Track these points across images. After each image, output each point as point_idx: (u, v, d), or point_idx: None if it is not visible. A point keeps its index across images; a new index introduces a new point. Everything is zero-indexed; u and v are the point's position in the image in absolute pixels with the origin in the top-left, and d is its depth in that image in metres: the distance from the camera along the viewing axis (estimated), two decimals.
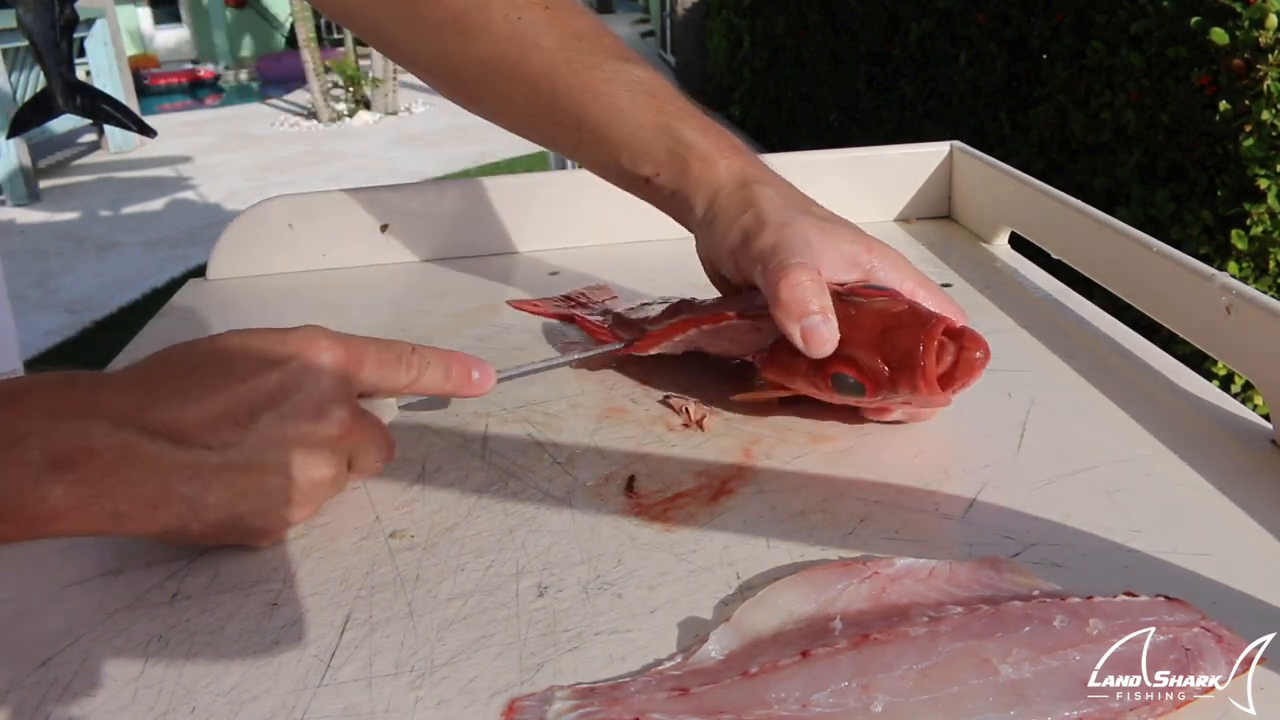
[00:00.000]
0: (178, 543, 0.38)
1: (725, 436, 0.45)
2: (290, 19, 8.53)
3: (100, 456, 0.33)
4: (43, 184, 5.48)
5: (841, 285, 0.42)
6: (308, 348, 0.37)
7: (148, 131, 0.93)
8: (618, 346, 0.50)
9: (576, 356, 0.49)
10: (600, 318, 0.55)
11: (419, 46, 0.51)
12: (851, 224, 0.44)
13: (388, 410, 0.43)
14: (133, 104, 6.26)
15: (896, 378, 0.39)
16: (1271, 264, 1.71)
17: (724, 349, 0.48)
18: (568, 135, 0.49)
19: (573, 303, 0.60)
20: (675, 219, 0.49)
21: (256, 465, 0.36)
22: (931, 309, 0.41)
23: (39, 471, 0.32)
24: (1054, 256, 0.60)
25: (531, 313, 0.60)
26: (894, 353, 0.38)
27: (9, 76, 4.95)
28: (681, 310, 0.48)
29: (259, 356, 0.37)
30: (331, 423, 0.37)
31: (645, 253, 0.71)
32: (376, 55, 6.91)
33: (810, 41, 4.09)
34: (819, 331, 0.39)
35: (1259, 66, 1.63)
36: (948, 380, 0.39)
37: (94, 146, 6.73)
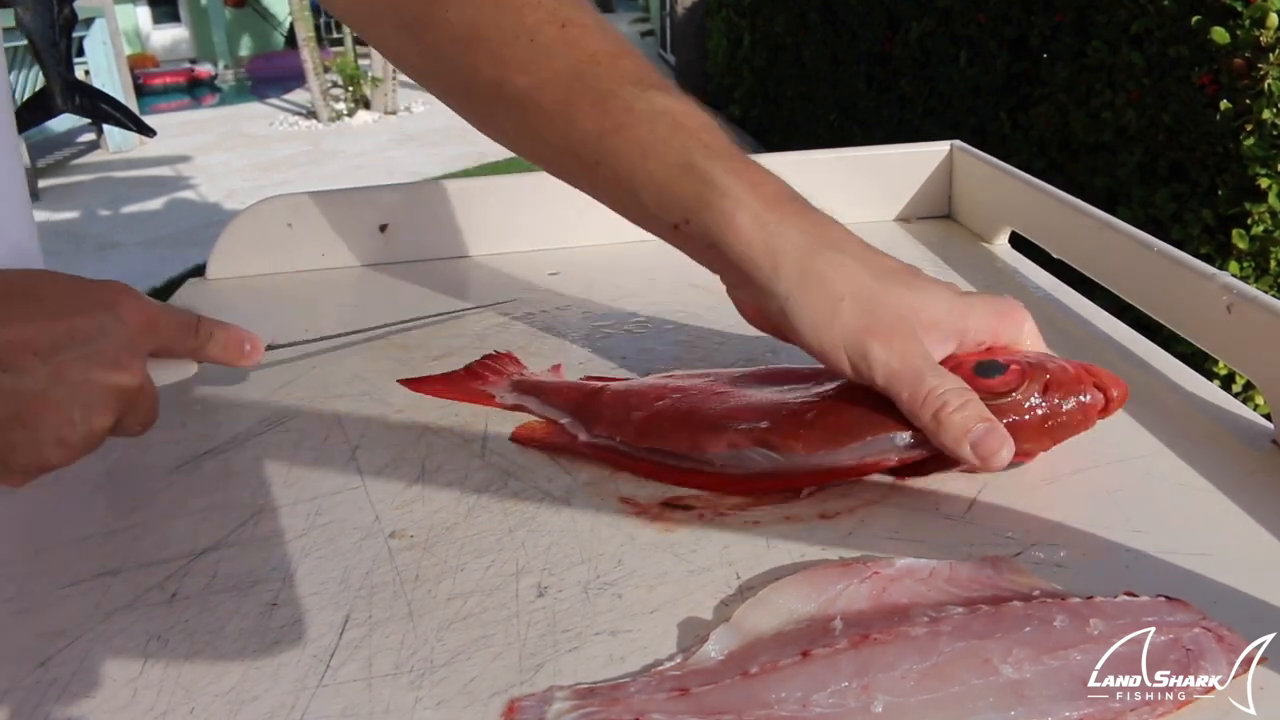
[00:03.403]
0: None
1: None
2: (289, 18, 8.52)
3: None
4: (41, 183, 5.48)
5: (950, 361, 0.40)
6: (115, 301, 0.39)
7: (147, 131, 0.92)
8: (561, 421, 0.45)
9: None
10: (509, 391, 0.49)
11: (432, 68, 0.46)
12: (925, 279, 0.41)
13: (187, 369, 0.46)
14: (131, 103, 6.26)
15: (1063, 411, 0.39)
16: (1272, 263, 1.71)
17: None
18: (586, 172, 0.44)
19: (476, 377, 0.52)
20: (711, 270, 0.43)
21: (42, 397, 0.37)
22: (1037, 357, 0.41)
23: None
24: (1054, 256, 0.60)
25: (430, 394, 0.51)
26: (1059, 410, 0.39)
27: (8, 76, 4.96)
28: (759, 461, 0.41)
29: (69, 298, 0.39)
30: (126, 374, 0.39)
31: (645, 252, 0.70)
32: (376, 55, 6.91)
33: (810, 41, 4.09)
34: (988, 442, 0.37)
35: (1260, 66, 1.63)
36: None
37: (93, 146, 6.73)
